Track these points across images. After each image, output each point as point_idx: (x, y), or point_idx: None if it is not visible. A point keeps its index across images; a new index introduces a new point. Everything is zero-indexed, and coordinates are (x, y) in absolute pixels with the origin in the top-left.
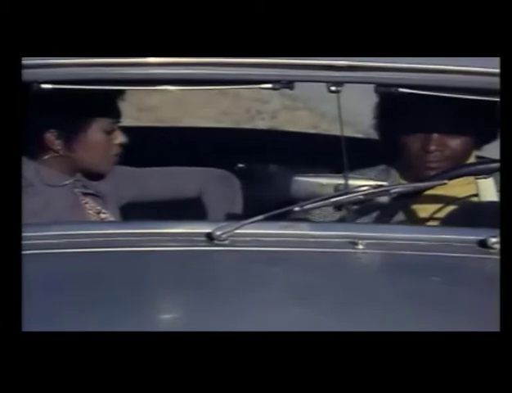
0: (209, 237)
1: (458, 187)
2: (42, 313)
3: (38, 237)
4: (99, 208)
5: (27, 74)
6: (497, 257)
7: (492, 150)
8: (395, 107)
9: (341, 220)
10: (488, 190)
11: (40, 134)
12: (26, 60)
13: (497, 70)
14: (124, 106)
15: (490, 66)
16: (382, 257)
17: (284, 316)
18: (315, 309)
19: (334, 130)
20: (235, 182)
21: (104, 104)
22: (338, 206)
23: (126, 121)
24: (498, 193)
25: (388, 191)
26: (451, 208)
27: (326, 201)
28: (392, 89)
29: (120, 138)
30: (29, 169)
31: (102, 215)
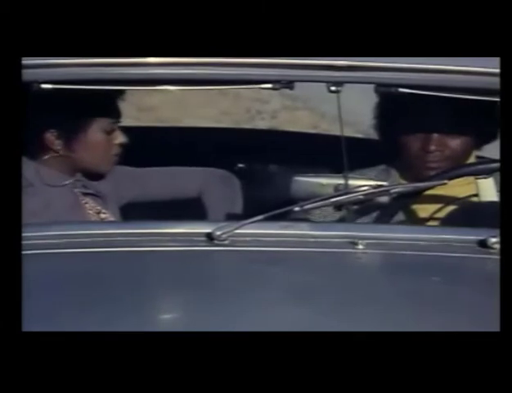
0: (209, 237)
1: (458, 187)
2: (42, 313)
3: (38, 237)
4: (99, 208)
5: (27, 74)
6: (497, 257)
7: (492, 150)
8: (395, 107)
9: (341, 220)
10: (488, 190)
11: (40, 134)
12: (26, 60)
13: (497, 70)
14: (124, 106)
15: (490, 66)
16: (382, 257)
17: (284, 316)
18: (315, 309)
19: (334, 130)
20: (235, 182)
21: (104, 104)
22: (338, 206)
23: (126, 121)
24: (498, 193)
25: (388, 191)
26: (451, 208)
27: (326, 201)
28: (392, 89)
29: (120, 138)
30: (29, 169)
31: (102, 215)
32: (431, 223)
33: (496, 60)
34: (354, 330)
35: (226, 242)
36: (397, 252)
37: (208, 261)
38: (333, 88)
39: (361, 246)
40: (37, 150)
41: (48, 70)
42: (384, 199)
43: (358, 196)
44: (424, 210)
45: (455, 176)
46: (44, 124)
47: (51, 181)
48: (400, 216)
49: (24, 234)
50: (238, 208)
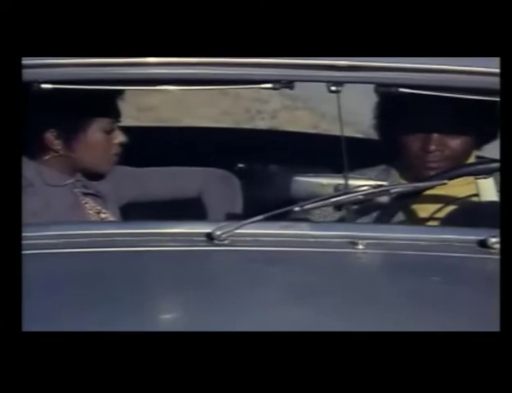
0: (209, 237)
1: (458, 187)
2: (42, 313)
3: (38, 237)
4: (99, 208)
5: (27, 74)
6: (497, 257)
7: (492, 150)
8: (395, 107)
9: (341, 220)
10: (488, 190)
11: (40, 134)
12: (26, 60)
13: (497, 70)
14: (124, 106)
15: (490, 66)
16: (382, 257)
17: (284, 316)
18: (315, 309)
19: (334, 130)
20: (235, 182)
21: (104, 104)
22: (338, 206)
23: (126, 121)
24: (498, 193)
25: (388, 191)
26: (451, 208)
27: (326, 201)
28: (393, 89)
29: (120, 138)
30: (29, 169)
31: (102, 215)
32: (431, 223)
33: (496, 60)
34: (354, 330)
35: (226, 242)
36: (397, 252)
37: (208, 261)
38: (333, 88)
39: (361, 246)
40: (37, 150)
41: (48, 70)
42: (384, 199)
43: (358, 196)
44: (424, 209)
45: (455, 176)
46: (44, 124)
47: (51, 181)
48: (400, 216)
49: (24, 234)
50: (238, 208)
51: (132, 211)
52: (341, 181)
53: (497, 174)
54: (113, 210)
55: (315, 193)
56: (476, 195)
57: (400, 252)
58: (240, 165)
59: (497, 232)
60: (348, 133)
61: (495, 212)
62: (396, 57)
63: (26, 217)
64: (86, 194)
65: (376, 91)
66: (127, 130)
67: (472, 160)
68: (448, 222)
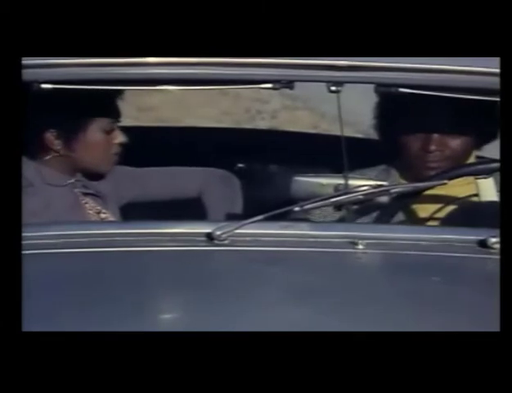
0: (209, 237)
1: (458, 187)
2: (42, 313)
3: (38, 237)
4: (99, 208)
5: (27, 74)
6: (497, 257)
7: (492, 150)
8: (395, 107)
9: (341, 220)
10: (488, 190)
11: (40, 134)
12: (26, 60)
13: (497, 70)
14: (124, 106)
15: (490, 66)
16: (382, 257)
17: (284, 316)
18: (315, 309)
19: (334, 130)
20: (236, 182)
21: (103, 104)
22: (338, 206)
23: (125, 121)
24: (498, 193)
25: (388, 191)
26: (451, 208)
27: (326, 201)
28: (393, 89)
29: (120, 138)
30: (29, 168)
31: (102, 215)
32: (431, 223)
33: (496, 60)
34: (354, 330)
35: (226, 242)
36: (397, 252)
37: (208, 261)
38: (333, 88)
39: (361, 246)
40: (37, 150)
41: (48, 70)
42: (384, 199)
43: (358, 196)
44: (424, 209)
45: (455, 176)
46: (44, 124)
47: (51, 181)
48: (400, 216)
49: (24, 234)
50: (238, 208)
51: (132, 211)
52: (341, 181)
53: (497, 174)
54: (113, 210)
55: (315, 193)
56: (476, 195)
57: (400, 252)
58: (240, 165)
59: (497, 232)
60: (348, 133)
61: (495, 212)
62: (396, 57)
63: (26, 217)
64: (86, 194)
65: (376, 91)
66: (127, 130)
67: (472, 160)
68: (448, 222)
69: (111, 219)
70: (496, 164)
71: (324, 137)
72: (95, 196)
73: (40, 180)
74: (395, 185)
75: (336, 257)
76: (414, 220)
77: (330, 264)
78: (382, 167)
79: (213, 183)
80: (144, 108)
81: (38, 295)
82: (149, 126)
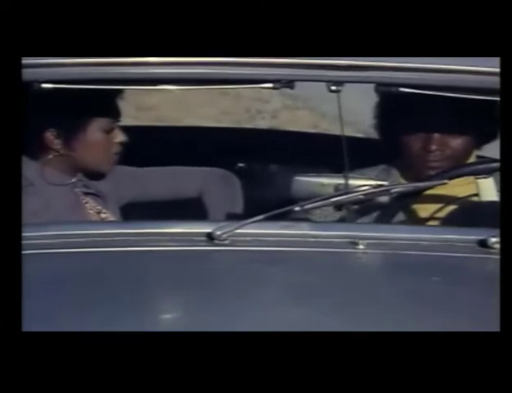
0: (209, 237)
1: (458, 187)
2: (42, 313)
3: (38, 237)
4: (99, 208)
5: (27, 74)
6: (497, 257)
7: (492, 150)
8: (395, 107)
9: (341, 220)
10: (488, 190)
11: (40, 134)
12: (26, 60)
13: (497, 70)
14: (124, 106)
15: (490, 66)
16: (382, 257)
17: (284, 316)
18: (315, 309)
19: (335, 130)
20: (236, 182)
21: (103, 104)
22: (338, 206)
23: (125, 121)
24: (498, 193)
25: (388, 190)
26: (451, 208)
27: (327, 201)
28: (393, 89)
29: (120, 137)
30: (30, 168)
31: (102, 215)
32: (431, 222)
33: (496, 60)
34: (354, 330)
35: (226, 242)
36: (398, 252)
37: (208, 261)
38: (333, 88)
39: (361, 246)
40: (37, 150)
41: (48, 70)
42: (385, 199)
43: (359, 195)
44: (424, 209)
45: (455, 176)
46: (44, 124)
47: (51, 180)
48: (400, 216)
49: (24, 234)
50: (238, 208)
51: (132, 211)
52: (341, 181)
53: (497, 174)
54: (113, 209)
55: (315, 193)
56: (476, 195)
57: (400, 252)
58: (241, 165)
59: (497, 232)
60: (349, 132)
61: (495, 212)
62: (396, 57)
63: (26, 217)
64: (86, 194)
65: (376, 90)
66: (127, 130)
67: (472, 159)
68: (448, 222)
69: (111, 218)
70: (497, 164)
71: (324, 136)
72: (95, 195)
73: (40, 180)
74: (395, 185)
75: (337, 257)
76: (414, 220)
77: (330, 264)
78: (382, 167)
79: (214, 183)
80: (144, 108)
81: (38, 295)
82: (149, 126)
